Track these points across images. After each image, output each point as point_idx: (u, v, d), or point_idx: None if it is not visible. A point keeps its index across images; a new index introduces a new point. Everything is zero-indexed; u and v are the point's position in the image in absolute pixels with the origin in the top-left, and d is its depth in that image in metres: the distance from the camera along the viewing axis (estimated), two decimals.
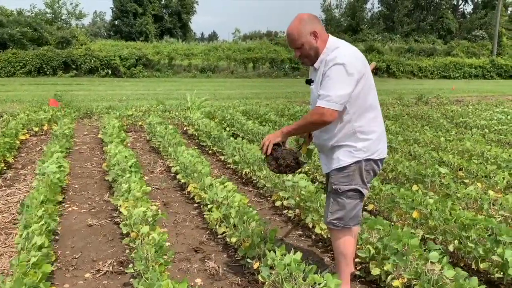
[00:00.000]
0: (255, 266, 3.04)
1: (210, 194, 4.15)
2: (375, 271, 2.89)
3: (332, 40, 2.58)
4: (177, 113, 10.65)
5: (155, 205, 4.46)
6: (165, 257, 2.92)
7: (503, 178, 4.70)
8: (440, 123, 9.21)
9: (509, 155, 5.72)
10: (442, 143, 6.68)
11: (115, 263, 3.35)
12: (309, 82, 2.69)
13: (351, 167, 2.56)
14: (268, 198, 4.86)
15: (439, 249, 2.70)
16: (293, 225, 4.13)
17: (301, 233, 3.96)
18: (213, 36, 69.55)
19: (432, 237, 3.49)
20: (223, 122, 9.20)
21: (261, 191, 5.05)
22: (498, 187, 4.71)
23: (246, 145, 5.99)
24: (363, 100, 2.52)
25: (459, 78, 35.65)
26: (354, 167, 2.56)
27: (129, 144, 7.87)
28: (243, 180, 5.56)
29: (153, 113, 10.30)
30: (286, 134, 2.63)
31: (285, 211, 4.41)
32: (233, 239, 3.39)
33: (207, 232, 3.96)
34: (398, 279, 2.77)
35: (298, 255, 2.59)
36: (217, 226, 3.77)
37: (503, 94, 19.66)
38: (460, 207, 3.82)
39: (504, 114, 10.57)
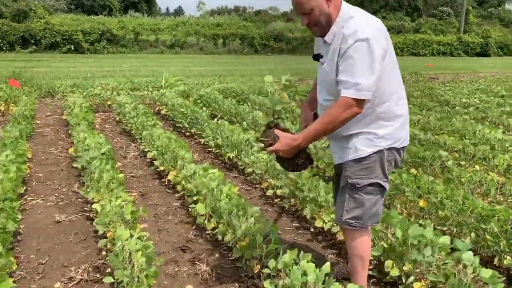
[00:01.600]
0: (255, 270, 2.66)
1: (195, 183, 3.70)
2: (394, 271, 2.56)
3: (346, 7, 2.13)
4: (148, 92, 10.01)
5: (132, 196, 3.99)
6: (153, 265, 2.49)
7: (504, 161, 4.47)
8: (422, 102, 9.01)
9: (503, 135, 5.53)
10: (431, 123, 6.43)
11: (90, 269, 2.88)
12: (317, 57, 2.26)
13: (371, 157, 2.18)
14: (257, 186, 4.46)
15: (472, 248, 2.38)
16: (277, 214, 3.75)
17: (298, 225, 3.59)
18: (179, 11, 67.29)
19: (444, 228, 3.19)
20: (199, 101, 8.66)
21: (249, 177, 4.64)
22: (497, 170, 4.48)
23: (228, 127, 5.53)
24: (387, 81, 2.12)
25: (428, 55, 36.02)
26: (375, 157, 2.18)
27: (97, 126, 7.25)
28: (227, 165, 5.13)
29: (122, 92, 9.63)
30: (307, 144, 2.21)
31: (276, 200, 4.03)
32: (227, 237, 2.98)
33: (194, 227, 3.54)
34: (420, 281, 2.45)
35: (327, 267, 2.20)
36: (206, 222, 3.34)
37: (475, 71, 19.86)
38: (472, 196, 3.54)
39: (484, 92, 10.51)
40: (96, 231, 3.31)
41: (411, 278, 2.47)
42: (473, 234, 2.97)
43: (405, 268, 2.53)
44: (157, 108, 8.47)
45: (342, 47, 2.04)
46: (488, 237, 2.84)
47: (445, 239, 2.44)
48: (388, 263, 2.63)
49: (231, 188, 3.40)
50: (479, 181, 3.88)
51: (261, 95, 9.05)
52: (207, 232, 3.38)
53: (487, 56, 37.13)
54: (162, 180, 4.62)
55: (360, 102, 2.03)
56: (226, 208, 3.13)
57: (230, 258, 3.01)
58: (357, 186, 2.20)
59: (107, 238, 3.05)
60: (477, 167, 4.58)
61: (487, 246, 2.86)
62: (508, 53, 39.23)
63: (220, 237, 3.16)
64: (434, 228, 3.22)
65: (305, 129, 2.18)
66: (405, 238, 2.57)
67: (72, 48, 27.47)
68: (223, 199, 3.27)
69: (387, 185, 2.23)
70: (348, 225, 2.28)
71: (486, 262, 2.87)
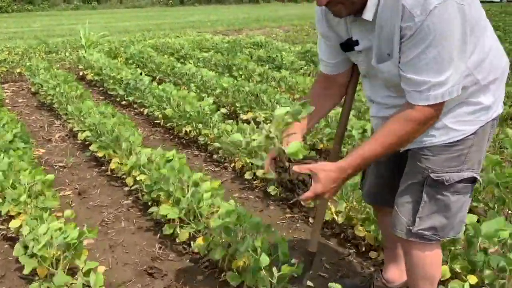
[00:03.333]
0: None
1: (152, 175, 2.76)
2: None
3: None
4: (67, 54, 8.49)
5: (66, 195, 2.98)
6: None
7: None
8: None
9: None
10: None
11: None
12: (349, 46, 1.45)
13: (467, 140, 1.42)
14: (226, 165, 3.59)
15: None
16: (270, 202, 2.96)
17: (292, 215, 2.82)
18: None
19: None
20: (131, 61, 7.41)
21: (215, 156, 3.75)
22: None
23: (178, 92, 4.52)
24: (480, 35, 1.33)
25: None
26: (472, 139, 1.43)
27: (7, 101, 5.87)
28: (183, 142, 4.17)
29: (35, 56, 8.06)
30: (356, 173, 1.45)
31: (256, 182, 3.21)
32: (216, 255, 2.13)
33: (158, 236, 2.64)
34: None
35: None
36: (179, 231, 2.45)
37: None
38: None
39: None
40: (17, 261, 2.31)
41: None
42: None
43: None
44: (81, 73, 7.12)
45: (406, 25, 1.22)
46: None
47: None
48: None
49: (213, 184, 2.51)
50: None
51: (203, 51, 7.97)
52: (177, 242, 2.51)
53: None
54: (103, 169, 3.59)
55: (442, 104, 1.30)
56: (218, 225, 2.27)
57: (218, 279, 2.19)
58: (446, 183, 1.44)
59: (38, 276, 2.09)
60: None
61: None
62: None
63: (198, 250, 2.31)
64: None
65: (353, 152, 1.40)
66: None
67: None
68: (204, 199, 2.39)
69: (479, 178, 1.49)
70: (420, 238, 1.53)
71: None
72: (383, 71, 1.36)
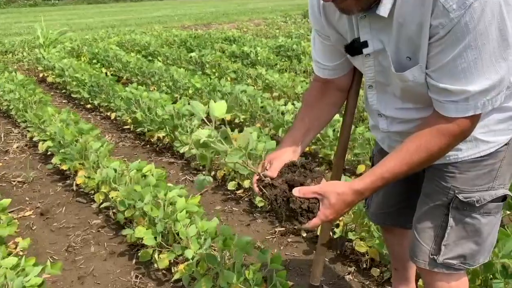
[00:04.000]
0: None
1: (124, 191, 2.45)
2: None
3: None
4: (25, 54, 7.94)
5: (26, 216, 2.64)
6: None
7: None
8: None
9: None
10: None
11: None
12: (356, 49, 1.18)
13: (499, 153, 1.20)
14: (206, 173, 3.30)
15: None
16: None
17: (282, 228, 2.57)
18: None
19: None
20: (95, 61, 6.96)
21: (193, 163, 3.45)
22: None
23: (149, 94, 4.18)
24: None
25: None
26: (505, 151, 1.21)
27: None
28: (157, 148, 3.85)
29: None
30: (371, 194, 1.21)
31: (239, 192, 2.95)
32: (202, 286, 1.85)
33: (133, 261, 2.34)
34: None
35: None
36: (157, 257, 2.16)
37: None
38: None
39: None
40: None
41: None
42: None
43: None
44: (41, 75, 6.63)
45: (437, 22, 0.97)
46: None
47: None
48: None
49: (192, 200, 2.22)
50: None
51: (172, 47, 7.60)
52: (156, 268, 2.22)
53: None
54: (68, 183, 3.24)
55: (480, 114, 1.08)
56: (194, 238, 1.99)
57: None
58: (476, 204, 1.21)
59: None
60: None
61: None
62: None
63: (181, 280, 2.03)
64: None
65: (371, 172, 1.13)
66: None
67: None
68: (180, 219, 2.10)
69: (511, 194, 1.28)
70: (447, 268, 1.31)
71: None
72: (406, 79, 1.10)
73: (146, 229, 2.23)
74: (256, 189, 1.19)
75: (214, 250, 2.16)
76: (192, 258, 1.97)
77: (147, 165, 2.66)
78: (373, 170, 1.13)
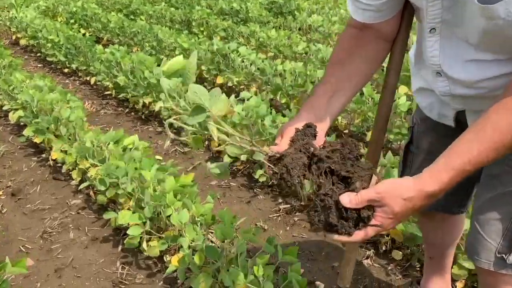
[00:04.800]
0: None
1: (106, 168, 2.11)
2: None
3: None
4: None
5: None
6: None
7: None
8: None
9: None
10: None
11: None
12: None
13: None
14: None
15: None
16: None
17: (287, 205, 2.28)
18: None
19: None
20: (72, 21, 6.42)
21: (183, 132, 3.10)
22: None
23: (131, 55, 3.77)
24: None
25: None
26: None
27: None
28: (141, 115, 3.47)
29: None
30: (442, 193, 0.80)
31: (236, 165, 2.62)
32: (199, 285, 1.56)
33: (119, 247, 2.04)
34: None
35: None
36: (145, 246, 1.85)
37: None
38: None
39: None
40: None
41: None
42: None
43: None
44: (14, 37, 6.10)
45: None
46: None
47: None
48: None
49: (184, 179, 1.90)
50: None
51: (155, 4, 7.03)
52: (146, 256, 1.92)
53: None
54: (44, 157, 2.88)
55: None
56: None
57: None
58: None
59: None
60: None
61: None
62: None
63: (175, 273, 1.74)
64: None
65: (442, 166, 0.79)
66: None
67: None
68: (170, 202, 1.78)
69: None
70: None
71: None
72: (494, 16, 0.76)
73: (133, 212, 1.92)
74: (269, 171, 0.87)
75: (211, 233, 1.87)
76: (188, 247, 1.67)
77: (129, 136, 2.31)
78: (448, 163, 0.78)
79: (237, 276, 1.38)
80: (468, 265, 1.53)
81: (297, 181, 0.83)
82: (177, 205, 1.77)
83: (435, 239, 1.44)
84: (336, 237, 0.81)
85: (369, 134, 2.61)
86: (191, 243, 1.66)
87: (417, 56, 1.11)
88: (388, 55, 1.06)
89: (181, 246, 1.74)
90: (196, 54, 0.81)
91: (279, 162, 0.83)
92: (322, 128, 0.93)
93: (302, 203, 2.25)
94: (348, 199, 0.78)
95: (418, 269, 1.83)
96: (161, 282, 1.83)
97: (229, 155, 2.52)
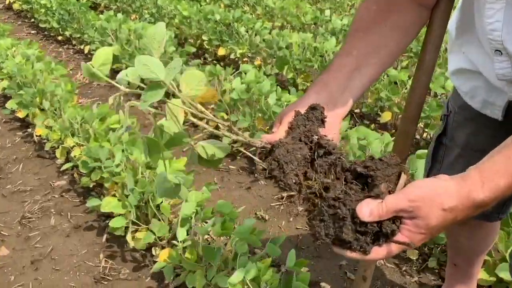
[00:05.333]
0: None
1: (90, 150, 1.90)
2: None
3: None
4: None
5: None
6: None
7: None
8: None
9: None
10: None
11: None
12: None
13: None
14: None
15: None
16: None
17: (291, 193, 2.07)
18: None
19: None
20: None
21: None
22: None
23: (128, 23, 3.49)
24: None
25: None
26: None
27: None
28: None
29: None
30: (493, 202, 0.57)
31: (236, 146, 2.40)
32: (190, 283, 1.36)
33: (103, 236, 1.84)
34: None
35: None
36: (131, 237, 1.65)
37: None
38: None
39: None
40: None
41: None
42: None
43: None
44: (8, 1, 5.80)
45: None
46: None
47: None
48: None
49: (176, 163, 1.68)
50: None
51: None
52: (132, 247, 1.73)
53: None
54: (29, 133, 2.67)
55: None
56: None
57: None
58: None
59: None
60: None
61: None
62: None
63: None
64: None
65: (495, 167, 0.56)
66: None
67: None
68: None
69: None
70: None
71: None
72: None
73: (119, 200, 1.71)
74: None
75: (205, 222, 1.67)
76: (182, 241, 1.47)
77: (115, 114, 2.08)
78: (510, 164, 0.57)
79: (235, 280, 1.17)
80: (505, 276, 1.32)
81: (293, 180, 0.62)
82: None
83: (464, 245, 1.23)
84: (348, 253, 0.61)
85: (383, 115, 2.37)
86: (185, 239, 1.45)
87: (461, 28, 0.87)
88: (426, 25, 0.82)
89: (171, 240, 1.54)
90: (164, 25, 0.60)
91: (270, 155, 0.63)
92: (337, 113, 0.72)
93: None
94: (368, 211, 0.57)
95: (437, 271, 1.63)
96: (149, 278, 1.64)
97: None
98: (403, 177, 0.63)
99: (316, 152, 0.65)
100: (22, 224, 1.94)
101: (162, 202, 1.57)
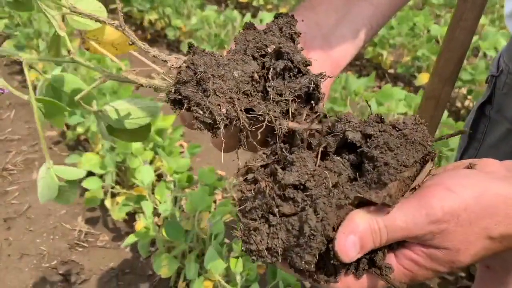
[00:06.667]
0: None
1: None
2: None
3: None
4: None
5: None
6: None
7: None
8: None
9: None
10: None
11: None
12: None
13: None
14: None
15: None
16: None
17: None
18: None
19: None
20: None
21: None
22: None
23: None
24: None
25: None
26: None
27: None
28: (147, 35, 2.97)
29: None
30: None
31: None
32: (162, 271, 1.16)
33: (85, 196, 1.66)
34: None
35: None
36: (110, 204, 1.45)
37: None
38: None
39: None
40: None
41: None
42: None
43: None
44: None
45: None
46: None
47: None
48: None
49: (162, 121, 1.43)
50: None
51: None
52: (109, 216, 1.53)
53: None
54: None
55: None
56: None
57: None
58: None
59: None
60: None
61: None
62: None
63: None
64: None
65: None
66: None
67: None
68: (136, 152, 1.34)
69: None
70: None
71: None
72: None
73: (102, 156, 1.50)
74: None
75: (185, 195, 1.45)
76: (154, 215, 1.26)
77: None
78: None
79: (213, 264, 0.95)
80: None
81: (222, 120, 0.37)
82: (147, 156, 1.33)
83: None
84: (298, 276, 0.38)
85: (419, 77, 2.02)
86: (156, 208, 1.23)
87: None
88: None
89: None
90: None
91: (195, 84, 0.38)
92: (330, 55, 0.46)
93: None
94: (354, 242, 0.33)
95: (463, 275, 1.36)
96: (128, 248, 1.45)
97: None
98: (427, 168, 0.36)
99: (271, 68, 0.38)
100: (2, 177, 1.77)
101: (139, 166, 1.34)
